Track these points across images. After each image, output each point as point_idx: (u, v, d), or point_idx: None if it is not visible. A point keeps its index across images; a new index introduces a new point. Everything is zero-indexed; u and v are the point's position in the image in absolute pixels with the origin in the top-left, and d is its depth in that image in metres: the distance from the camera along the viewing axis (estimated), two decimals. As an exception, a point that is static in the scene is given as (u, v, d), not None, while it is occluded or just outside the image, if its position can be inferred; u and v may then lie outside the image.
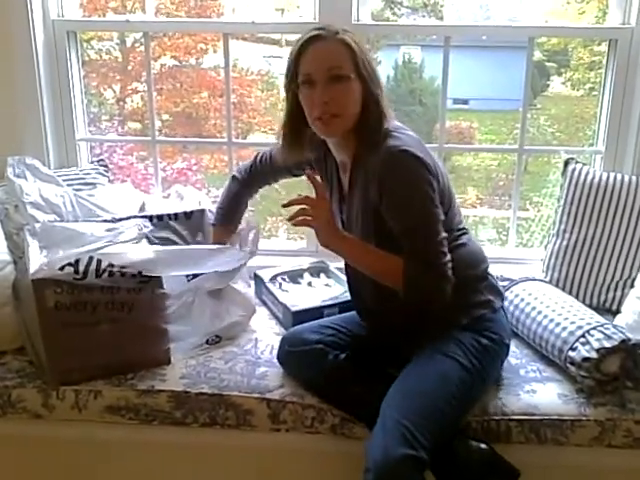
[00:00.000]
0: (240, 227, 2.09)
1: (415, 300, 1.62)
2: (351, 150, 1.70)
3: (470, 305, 1.71)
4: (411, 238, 1.59)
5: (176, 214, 2.14)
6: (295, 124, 1.71)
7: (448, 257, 1.60)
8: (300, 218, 1.63)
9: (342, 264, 2.37)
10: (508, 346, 1.79)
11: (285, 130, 1.74)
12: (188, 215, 2.15)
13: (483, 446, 1.62)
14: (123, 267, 1.75)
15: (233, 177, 2.09)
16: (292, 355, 1.83)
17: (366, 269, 1.69)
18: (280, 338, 1.90)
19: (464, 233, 1.77)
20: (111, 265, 1.74)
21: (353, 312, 1.98)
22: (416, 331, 1.70)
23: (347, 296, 2.13)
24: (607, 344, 1.69)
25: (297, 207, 1.63)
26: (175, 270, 1.84)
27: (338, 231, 1.68)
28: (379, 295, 1.73)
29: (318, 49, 1.60)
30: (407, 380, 1.61)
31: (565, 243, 2.19)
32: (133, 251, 1.81)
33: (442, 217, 1.62)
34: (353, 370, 1.76)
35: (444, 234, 1.61)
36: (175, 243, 2.09)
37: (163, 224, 2.10)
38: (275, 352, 1.92)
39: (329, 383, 1.75)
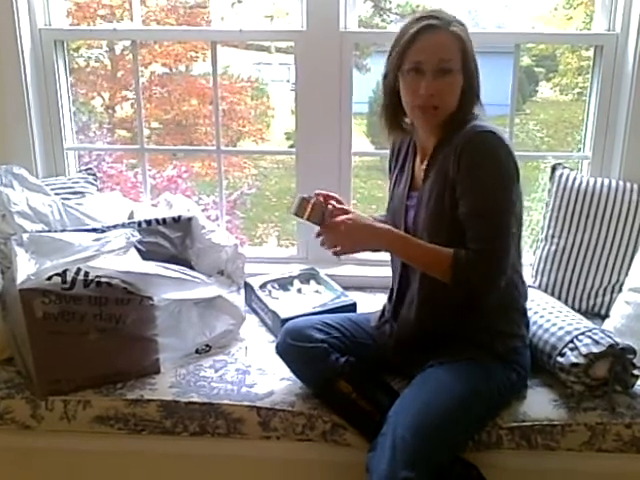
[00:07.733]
0: (227, 257, 2.10)
1: (463, 286, 1.56)
2: (437, 137, 1.67)
3: (508, 335, 1.70)
4: (479, 223, 1.54)
5: (164, 219, 2.14)
6: (394, 108, 1.70)
7: (511, 255, 1.55)
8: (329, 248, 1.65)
9: (332, 271, 2.40)
10: (527, 382, 1.79)
11: (385, 113, 1.72)
12: (176, 220, 2.15)
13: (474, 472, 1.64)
14: (111, 278, 1.74)
15: None
16: (293, 349, 1.77)
17: (412, 257, 1.63)
18: (282, 329, 1.84)
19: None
20: (99, 276, 1.73)
21: (357, 314, 1.97)
22: (442, 345, 1.67)
23: (337, 303, 2.13)
24: (595, 349, 1.69)
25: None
26: (162, 292, 1.85)
27: (366, 229, 1.65)
28: (429, 295, 1.69)
29: (431, 39, 1.57)
30: (422, 398, 1.57)
31: (554, 248, 2.20)
32: (121, 264, 1.80)
33: (516, 211, 1.57)
34: (355, 377, 1.73)
35: (514, 230, 1.56)
36: (164, 248, 2.10)
37: (152, 229, 2.10)
38: (265, 359, 1.93)
39: (328, 385, 1.73)
